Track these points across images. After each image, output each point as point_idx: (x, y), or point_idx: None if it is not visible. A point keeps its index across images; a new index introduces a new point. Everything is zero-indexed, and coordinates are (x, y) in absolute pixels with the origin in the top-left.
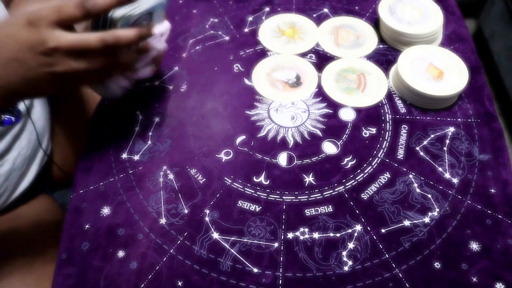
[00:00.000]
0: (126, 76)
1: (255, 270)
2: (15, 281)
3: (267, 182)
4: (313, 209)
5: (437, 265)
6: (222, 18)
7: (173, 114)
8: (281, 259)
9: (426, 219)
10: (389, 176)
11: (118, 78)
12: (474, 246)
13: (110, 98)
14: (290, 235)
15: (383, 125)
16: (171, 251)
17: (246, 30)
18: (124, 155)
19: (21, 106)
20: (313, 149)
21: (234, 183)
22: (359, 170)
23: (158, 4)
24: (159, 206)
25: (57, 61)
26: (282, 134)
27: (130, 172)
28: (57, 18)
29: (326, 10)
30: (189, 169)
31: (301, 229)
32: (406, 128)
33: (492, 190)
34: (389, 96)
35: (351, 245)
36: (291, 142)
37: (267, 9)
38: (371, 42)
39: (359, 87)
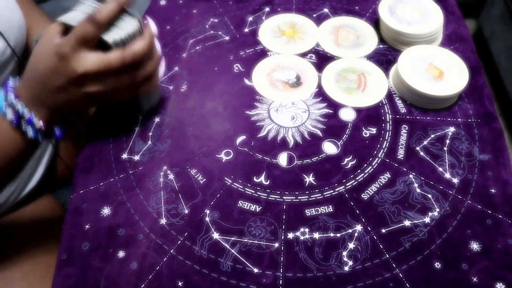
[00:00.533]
0: (153, 86)
1: (256, 270)
2: (18, 280)
3: (268, 182)
4: (313, 209)
5: (437, 265)
6: (222, 18)
7: (173, 114)
8: (282, 259)
9: (427, 219)
10: (389, 176)
11: (148, 90)
12: (475, 246)
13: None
14: (290, 235)
15: (383, 125)
16: (171, 251)
17: (246, 30)
18: (124, 155)
19: None
20: (313, 149)
21: (235, 183)
22: (359, 170)
23: (139, 24)
24: (160, 206)
25: (88, 84)
26: (282, 134)
27: (130, 172)
28: (76, 41)
29: (326, 10)
30: (189, 169)
31: (302, 229)
32: (406, 128)
33: (492, 190)
34: (389, 96)
35: (351, 245)
36: (291, 142)
37: (267, 9)
38: (371, 42)
39: (359, 87)
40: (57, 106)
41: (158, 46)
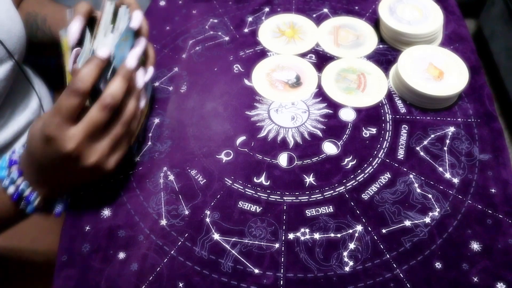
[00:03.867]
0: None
1: (256, 271)
2: (18, 282)
3: (268, 183)
4: (313, 209)
5: (438, 265)
6: (222, 19)
7: (173, 115)
8: (282, 260)
9: (427, 219)
10: (389, 176)
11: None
12: (475, 246)
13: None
14: (291, 236)
15: (383, 125)
16: (172, 252)
17: (246, 30)
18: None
19: (34, 105)
20: (313, 150)
21: (235, 184)
22: (359, 170)
23: (128, 29)
24: (160, 207)
25: (84, 155)
26: (282, 134)
27: (130, 173)
28: (60, 118)
29: (326, 10)
30: (189, 170)
31: (302, 230)
32: (406, 128)
33: (493, 190)
34: (389, 96)
35: (352, 246)
36: (291, 142)
37: (266, 9)
38: (371, 42)
39: (359, 87)
40: (61, 185)
41: (140, 77)
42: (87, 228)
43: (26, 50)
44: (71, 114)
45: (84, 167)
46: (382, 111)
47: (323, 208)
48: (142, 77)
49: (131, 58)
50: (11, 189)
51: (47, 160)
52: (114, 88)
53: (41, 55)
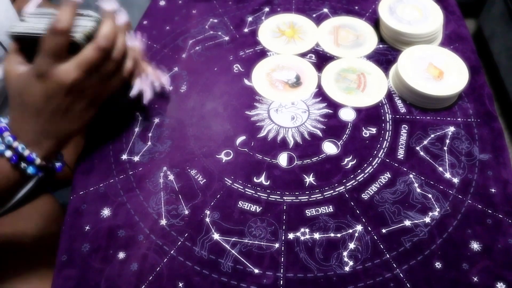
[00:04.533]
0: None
1: (256, 271)
2: (18, 282)
3: (268, 183)
4: (313, 209)
5: (438, 265)
6: (222, 19)
7: (173, 114)
8: (282, 260)
9: (427, 219)
10: (389, 176)
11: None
12: (475, 246)
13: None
14: (290, 236)
15: (383, 125)
16: (171, 252)
17: (246, 30)
18: (124, 156)
19: None
20: (313, 149)
21: (235, 184)
22: (359, 170)
23: (98, 18)
24: (160, 207)
25: (84, 87)
26: (282, 134)
27: (130, 173)
28: (49, 57)
29: (326, 10)
30: (189, 170)
31: (302, 230)
32: (406, 128)
33: (493, 190)
34: (389, 96)
35: (352, 245)
36: (291, 142)
37: (266, 9)
38: (371, 42)
39: (359, 87)
40: (61, 130)
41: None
42: (87, 228)
43: None
44: (59, 51)
45: (83, 100)
46: (382, 111)
47: (323, 208)
48: (123, 17)
49: (107, 2)
50: (8, 153)
51: (47, 104)
52: (106, 30)
53: None
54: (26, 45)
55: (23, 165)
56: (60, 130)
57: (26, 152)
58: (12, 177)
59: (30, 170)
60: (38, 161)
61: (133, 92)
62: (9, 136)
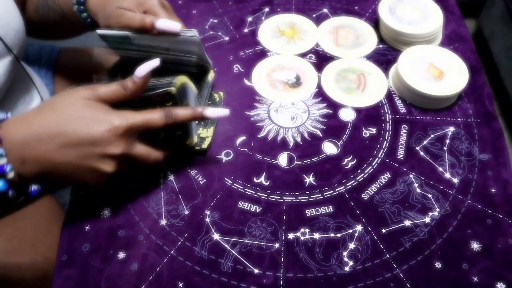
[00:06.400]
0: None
1: (256, 271)
2: (17, 282)
3: (268, 183)
4: (313, 209)
5: (438, 265)
6: (222, 19)
7: None
8: (282, 260)
9: (427, 219)
10: (389, 176)
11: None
12: (475, 246)
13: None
14: (290, 236)
15: (383, 125)
16: (171, 252)
17: (246, 30)
18: None
19: (36, 102)
20: (313, 150)
21: (235, 184)
22: (359, 170)
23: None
24: (160, 207)
25: (116, 142)
26: (282, 134)
27: (130, 173)
28: (112, 95)
29: (325, 10)
30: (189, 170)
31: (302, 230)
32: (406, 128)
33: (493, 190)
34: (389, 96)
35: (352, 246)
36: (291, 142)
37: (266, 9)
38: (371, 42)
39: (359, 87)
40: (59, 176)
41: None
42: (87, 227)
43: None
44: (120, 99)
45: (101, 152)
46: (382, 111)
47: (323, 208)
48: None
49: (210, 112)
50: None
51: (72, 125)
52: (183, 113)
53: (59, 38)
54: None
55: None
56: (56, 173)
57: (2, 161)
58: None
59: (0, 184)
60: (11, 175)
61: None
62: None
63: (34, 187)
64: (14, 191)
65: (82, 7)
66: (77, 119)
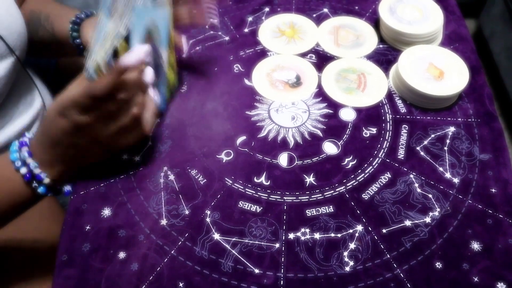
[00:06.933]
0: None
1: (257, 271)
2: (18, 281)
3: (268, 183)
4: (314, 209)
5: (438, 265)
6: (222, 19)
7: (173, 114)
8: (283, 260)
9: (427, 219)
10: (389, 176)
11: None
12: (475, 246)
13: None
14: (291, 236)
15: (383, 125)
16: (172, 252)
17: (246, 30)
18: (125, 156)
19: (37, 104)
20: (313, 149)
21: (235, 184)
22: (359, 170)
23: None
24: (160, 207)
25: (98, 133)
26: (282, 134)
27: (130, 173)
28: (77, 107)
29: (326, 10)
30: (189, 170)
31: (302, 230)
32: (407, 128)
33: (493, 190)
34: (389, 96)
35: (352, 246)
36: (291, 142)
37: (267, 9)
38: (371, 42)
39: (359, 87)
40: (75, 162)
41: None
42: (88, 227)
43: (28, 47)
44: (84, 108)
45: (94, 145)
46: (382, 111)
47: (323, 208)
48: (150, 74)
49: (129, 57)
50: (23, 170)
51: (59, 137)
52: (99, 85)
53: (40, 55)
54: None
55: (34, 184)
56: (72, 162)
57: (37, 171)
58: (24, 194)
59: (41, 189)
60: (46, 181)
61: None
62: (26, 152)
63: (67, 188)
64: (52, 193)
65: (76, 33)
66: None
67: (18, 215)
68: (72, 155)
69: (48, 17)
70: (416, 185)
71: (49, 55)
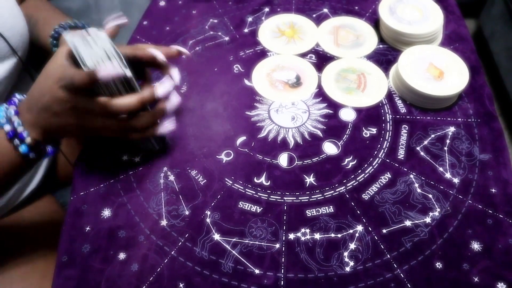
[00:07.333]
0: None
1: (257, 271)
2: (18, 282)
3: (268, 183)
4: (314, 209)
5: (438, 265)
6: (222, 19)
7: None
8: (283, 260)
9: (427, 219)
10: (390, 176)
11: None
12: (475, 246)
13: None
14: (291, 236)
15: (383, 125)
16: (172, 252)
17: (246, 30)
18: (125, 157)
19: None
20: (313, 150)
21: (235, 184)
22: (359, 171)
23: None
24: (160, 207)
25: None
26: (282, 134)
27: (130, 173)
28: (75, 88)
29: (325, 10)
30: (189, 170)
31: (302, 230)
32: (407, 128)
33: (493, 190)
34: (389, 96)
35: (352, 246)
36: (291, 142)
37: (266, 9)
38: (371, 42)
39: (359, 87)
40: (52, 129)
41: (174, 98)
42: (88, 228)
43: (29, 47)
44: (83, 89)
45: (87, 121)
46: (382, 111)
47: (323, 208)
48: (173, 101)
49: (162, 89)
50: (7, 127)
51: (51, 102)
52: (124, 101)
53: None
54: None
55: (16, 142)
56: (53, 129)
57: (20, 129)
58: (6, 153)
59: (22, 148)
60: (28, 140)
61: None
62: (12, 110)
63: (49, 148)
64: (33, 153)
65: (55, 41)
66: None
67: (4, 180)
68: (55, 123)
69: (36, 23)
70: (416, 185)
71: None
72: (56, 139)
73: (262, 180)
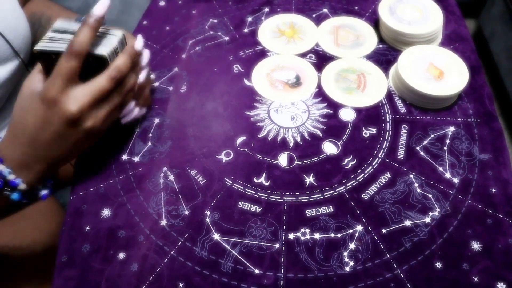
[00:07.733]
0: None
1: (257, 271)
2: (17, 282)
3: (268, 183)
4: (314, 209)
5: (438, 265)
6: (222, 19)
7: (173, 115)
8: (282, 260)
9: (427, 219)
10: (389, 176)
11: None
12: (475, 246)
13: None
14: (291, 236)
15: (383, 125)
16: (172, 252)
17: (246, 30)
18: (124, 157)
19: None
20: (313, 150)
21: (235, 184)
22: (359, 170)
23: (121, 38)
24: (160, 207)
25: (85, 119)
26: (282, 134)
27: (130, 173)
28: (63, 81)
29: (325, 10)
30: (189, 170)
31: (302, 230)
32: (406, 128)
33: (493, 190)
34: (389, 96)
35: (352, 246)
36: (291, 142)
37: (266, 9)
38: (371, 42)
39: (359, 87)
40: (54, 158)
41: (146, 56)
42: (87, 228)
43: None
44: (72, 76)
45: (82, 131)
46: (382, 111)
47: (323, 208)
48: (147, 56)
49: (139, 39)
50: None
51: (45, 130)
52: (120, 63)
53: None
54: (50, 62)
55: (6, 191)
56: (53, 157)
57: (11, 177)
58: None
59: (14, 196)
60: (22, 186)
61: (126, 119)
62: None
63: (44, 192)
64: (27, 200)
65: None
66: (40, 123)
67: None
68: (52, 148)
69: (49, 19)
70: (416, 185)
71: None
72: (55, 170)
73: (262, 180)
